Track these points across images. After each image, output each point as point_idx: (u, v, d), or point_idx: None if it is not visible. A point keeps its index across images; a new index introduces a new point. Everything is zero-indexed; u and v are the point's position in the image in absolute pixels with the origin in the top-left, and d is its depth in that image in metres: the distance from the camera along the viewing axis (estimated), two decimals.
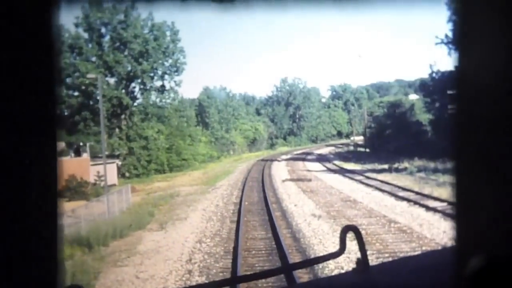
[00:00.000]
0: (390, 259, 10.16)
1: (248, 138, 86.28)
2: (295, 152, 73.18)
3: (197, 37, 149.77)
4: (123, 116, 49.94)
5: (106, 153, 32.53)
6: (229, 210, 20.23)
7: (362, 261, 1.31)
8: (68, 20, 43.67)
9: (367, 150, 61.54)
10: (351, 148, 73.20)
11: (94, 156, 39.47)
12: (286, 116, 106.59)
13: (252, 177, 34.39)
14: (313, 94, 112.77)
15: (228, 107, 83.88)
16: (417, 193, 20.85)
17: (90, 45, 48.08)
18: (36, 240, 0.58)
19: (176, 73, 52.51)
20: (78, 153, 42.52)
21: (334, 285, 1.33)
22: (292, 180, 30.61)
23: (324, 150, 75.92)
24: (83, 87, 45.68)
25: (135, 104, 51.64)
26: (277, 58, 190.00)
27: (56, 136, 0.60)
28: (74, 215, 18.66)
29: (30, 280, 0.58)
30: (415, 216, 16.03)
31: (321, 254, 7.93)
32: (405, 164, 35.09)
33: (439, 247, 10.98)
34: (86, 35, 48.17)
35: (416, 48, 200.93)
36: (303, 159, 53.49)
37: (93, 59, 47.82)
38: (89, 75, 39.19)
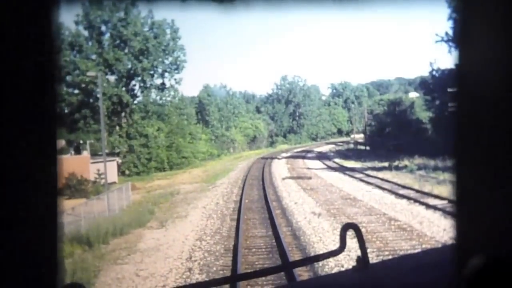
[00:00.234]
0: (390, 257, 10.17)
1: (248, 136, 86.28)
2: (295, 150, 73.15)
3: (197, 35, 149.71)
4: (123, 114, 49.94)
5: (106, 151, 32.53)
6: (229, 208, 20.24)
7: (362, 259, 1.31)
8: (68, 18, 43.71)
9: (367, 148, 61.54)
10: (351, 146, 73.18)
11: (94, 154, 39.49)
12: (286, 114, 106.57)
13: (252, 175, 34.39)
14: (313, 92, 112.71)
15: (228, 105, 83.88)
16: (417, 191, 20.86)
17: (90, 43, 48.08)
18: (36, 238, 0.58)
19: (176, 71, 52.54)
20: (78, 151, 42.56)
21: (334, 283, 1.33)
22: (292, 178, 30.62)
23: (324, 148, 75.92)
24: (83, 85, 45.68)
25: (135, 102, 51.64)
26: (277, 56, 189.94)
27: (56, 134, 0.60)
28: (74, 213, 18.67)
29: (30, 278, 0.58)
30: (415, 214, 16.04)
31: (321, 252, 7.95)
32: (405, 162, 35.09)
33: (439, 245, 11.00)
34: (86, 33, 48.18)
35: (416, 46, 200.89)
36: (303, 157, 53.49)
37: (93, 57, 47.81)
38: (89, 73, 39.16)
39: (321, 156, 54.80)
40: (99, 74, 34.03)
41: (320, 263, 10.19)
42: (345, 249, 1.33)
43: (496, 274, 0.58)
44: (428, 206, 17.05)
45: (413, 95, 74.90)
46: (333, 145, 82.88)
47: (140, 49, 48.44)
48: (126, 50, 48.71)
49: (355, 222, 12.08)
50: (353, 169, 34.44)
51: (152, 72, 50.85)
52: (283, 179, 30.07)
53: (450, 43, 35.38)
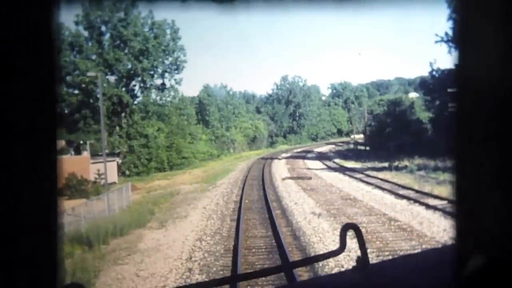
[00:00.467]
0: (390, 257, 10.17)
1: (248, 136, 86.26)
2: (295, 150, 73.14)
3: (197, 35, 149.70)
4: (123, 114, 49.95)
5: (106, 151, 32.55)
6: (229, 208, 20.24)
7: (362, 259, 1.31)
8: (68, 18, 43.70)
9: (367, 148, 61.52)
10: (351, 146, 73.17)
11: (94, 154, 39.49)
12: (286, 114, 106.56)
13: (252, 175, 34.39)
14: (313, 92, 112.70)
15: (228, 105, 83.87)
16: (417, 191, 20.85)
17: (90, 43, 48.09)
18: (36, 239, 0.58)
19: (176, 71, 52.56)
20: (78, 151, 42.54)
21: (334, 283, 1.33)
22: (292, 178, 30.62)
23: (324, 148, 75.90)
24: (83, 85, 45.69)
25: (135, 102, 51.66)
26: (277, 56, 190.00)
27: (56, 134, 0.60)
28: (74, 213, 18.67)
29: (30, 278, 0.58)
30: (415, 214, 16.04)
31: (321, 252, 7.94)
32: (405, 162, 35.08)
33: (439, 246, 10.99)
34: (86, 33, 48.20)
35: (416, 46, 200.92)
36: (303, 157, 53.48)
37: (93, 57, 47.83)
38: (89, 73, 39.18)
39: (321, 157, 54.79)
40: (99, 75, 34.07)
41: (320, 264, 10.19)
42: (345, 250, 1.33)
43: (496, 274, 0.58)
44: (428, 206, 17.05)
45: (413, 95, 74.90)
46: (333, 146, 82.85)
47: (140, 49, 48.45)
48: (126, 51, 48.72)
49: (355, 222, 12.08)
50: (353, 170, 34.43)
51: (152, 72, 50.87)
52: (283, 179, 30.07)
53: (450, 43, 35.38)
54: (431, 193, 19.82)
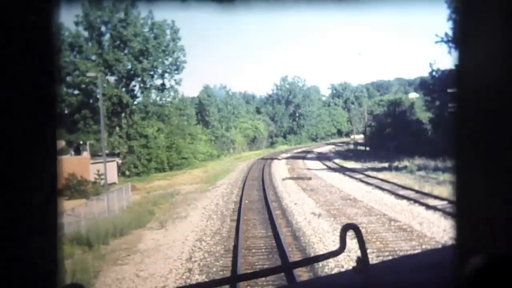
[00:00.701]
0: (390, 257, 10.17)
1: (248, 136, 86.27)
2: (295, 151, 73.14)
3: (197, 36, 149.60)
4: (123, 115, 49.93)
5: (106, 151, 32.55)
6: (229, 208, 20.24)
7: (362, 260, 1.31)
8: (68, 18, 43.67)
9: (367, 148, 61.52)
10: (351, 146, 73.17)
11: (94, 154, 39.48)
12: (286, 114, 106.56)
13: (252, 175, 34.39)
14: (313, 92, 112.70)
15: (228, 106, 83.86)
16: (417, 191, 20.85)
17: (90, 44, 48.07)
18: (36, 239, 0.58)
19: (176, 72, 52.51)
20: (78, 151, 42.55)
21: (334, 284, 1.33)
22: (292, 178, 30.62)
23: (324, 149, 75.89)
24: (83, 86, 45.67)
25: (135, 102, 51.63)
26: (277, 57, 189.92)
27: (56, 134, 0.60)
28: (74, 213, 18.66)
29: (30, 278, 0.58)
30: (415, 214, 16.04)
31: (321, 253, 7.94)
32: (405, 162, 35.08)
33: (439, 246, 10.99)
34: (86, 34, 48.16)
35: (416, 46, 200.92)
36: (303, 158, 53.48)
37: (93, 57, 47.79)
38: (89, 74, 39.16)
39: (321, 157, 54.79)
40: (99, 75, 34.06)
41: (320, 264, 10.19)
42: (345, 250, 1.33)
43: (496, 274, 0.58)
44: (428, 206, 17.05)
45: (413, 95, 74.87)
46: (333, 146, 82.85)
47: (140, 49, 48.44)
48: (126, 51, 48.71)
49: (355, 222, 12.08)
50: (353, 170, 34.43)
51: (152, 72, 50.85)
52: (283, 179, 30.07)
53: (450, 44, 35.39)
54: (431, 193, 19.82)
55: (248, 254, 12.38)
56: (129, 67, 49.08)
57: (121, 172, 44.70)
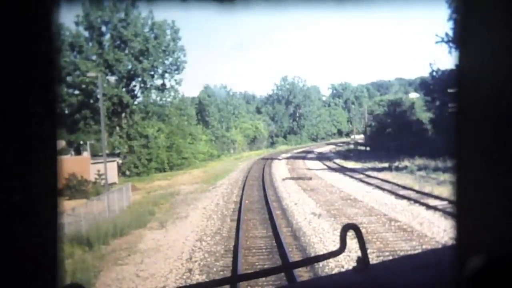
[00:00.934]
0: (391, 257, 10.17)
1: (248, 136, 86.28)
2: (295, 151, 73.15)
3: (197, 36, 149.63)
4: (123, 115, 49.96)
5: (107, 151, 32.55)
6: (229, 208, 20.23)
7: (363, 260, 1.31)
8: (69, 18, 43.72)
9: (368, 148, 61.51)
10: (352, 146, 73.12)
11: (94, 154, 39.49)
12: (286, 114, 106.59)
13: (252, 175, 34.39)
14: (313, 92, 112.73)
15: (228, 106, 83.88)
16: (417, 191, 20.85)
17: (90, 44, 48.08)
18: (36, 239, 0.58)
19: (176, 72, 52.55)
20: (78, 151, 42.59)
21: (335, 284, 1.33)
22: (292, 178, 30.61)
23: (324, 149, 75.90)
24: (84, 86, 45.69)
25: (136, 102, 51.65)
26: (278, 57, 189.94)
27: (56, 134, 0.60)
28: (74, 213, 18.66)
29: (30, 279, 0.58)
30: (415, 214, 16.03)
31: (322, 253, 7.94)
32: (406, 162, 35.07)
33: (439, 246, 10.99)
34: (86, 34, 48.20)
35: (416, 46, 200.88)
36: (303, 158, 53.48)
37: (94, 57, 47.81)
38: (90, 74, 39.17)
39: (321, 157, 54.79)
40: (99, 75, 34.06)
41: (321, 264, 10.19)
42: (346, 250, 1.33)
43: (496, 274, 0.58)
44: (428, 206, 17.05)
45: (413, 95, 74.85)
46: (333, 146, 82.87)
47: (140, 49, 48.45)
48: (127, 51, 48.73)
49: (356, 222, 12.07)
50: (353, 170, 34.42)
51: (152, 72, 50.87)
52: (283, 179, 30.06)
53: (450, 44, 35.38)
54: (431, 193, 19.82)
55: (248, 254, 12.38)
56: (130, 67, 49.09)
57: (121, 172, 44.71)
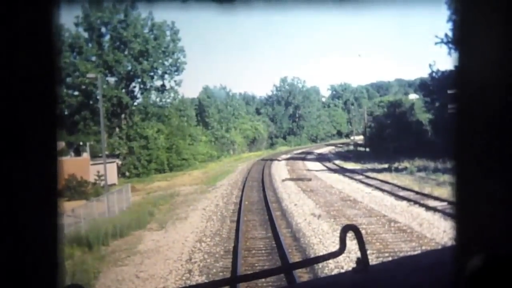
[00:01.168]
0: (390, 258, 10.17)
1: (248, 137, 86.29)
2: (295, 152, 73.18)
3: (197, 36, 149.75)
4: (123, 116, 49.96)
5: (106, 152, 32.55)
6: (229, 209, 20.23)
7: (362, 261, 1.31)
8: (68, 19, 43.71)
9: (367, 149, 61.51)
10: (351, 147, 73.17)
11: (94, 155, 39.49)
12: (286, 115, 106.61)
13: (252, 176, 34.39)
14: (312, 93, 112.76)
15: (228, 107, 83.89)
16: (417, 192, 20.85)
17: (90, 45, 48.11)
18: (36, 240, 0.58)
19: (176, 73, 52.57)
20: (78, 152, 42.56)
21: (334, 285, 1.33)
22: (292, 179, 30.61)
23: (324, 150, 75.92)
24: (83, 87, 45.70)
25: (135, 103, 51.68)
26: (277, 58, 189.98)
27: (56, 135, 0.60)
28: (74, 214, 18.67)
29: (30, 279, 0.58)
30: (415, 215, 16.03)
31: (321, 254, 7.93)
32: (405, 163, 35.08)
33: (439, 247, 10.99)
34: (86, 35, 48.22)
35: (416, 47, 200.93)
36: (303, 159, 53.49)
37: (93, 58, 47.84)
38: (89, 75, 39.19)
39: (320, 158, 54.80)
40: (99, 76, 34.08)
41: (320, 265, 10.18)
42: (345, 251, 1.33)
43: (496, 274, 0.58)
44: (428, 207, 17.04)
45: (413, 96, 74.81)
46: (333, 147, 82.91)
47: (140, 50, 48.46)
48: (126, 52, 48.74)
49: (355, 223, 12.08)
50: (353, 171, 34.44)
51: (152, 73, 50.88)
52: (283, 180, 30.07)
53: (450, 45, 35.40)
54: (431, 194, 19.82)
55: (248, 255, 12.38)
56: (129, 68, 49.11)
57: (121, 173, 44.71)
